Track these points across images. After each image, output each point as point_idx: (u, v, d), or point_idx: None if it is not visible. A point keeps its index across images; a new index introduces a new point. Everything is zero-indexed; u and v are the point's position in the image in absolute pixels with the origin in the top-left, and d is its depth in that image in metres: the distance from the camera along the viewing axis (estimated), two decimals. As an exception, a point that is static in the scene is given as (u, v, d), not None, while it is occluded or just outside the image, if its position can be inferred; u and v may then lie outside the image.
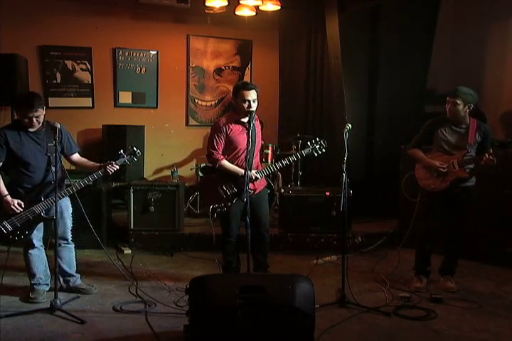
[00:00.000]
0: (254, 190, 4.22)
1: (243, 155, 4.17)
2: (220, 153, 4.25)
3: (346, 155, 3.98)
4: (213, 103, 7.72)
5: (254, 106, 4.13)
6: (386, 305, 4.05)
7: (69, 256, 4.25)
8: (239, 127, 4.24)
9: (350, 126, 4.11)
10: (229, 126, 4.23)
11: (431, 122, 4.46)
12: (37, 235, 4.06)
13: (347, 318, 3.77)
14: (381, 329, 3.65)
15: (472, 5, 6.91)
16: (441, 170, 4.27)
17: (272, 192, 6.16)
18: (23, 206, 3.87)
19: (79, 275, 4.35)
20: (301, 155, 4.27)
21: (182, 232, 5.74)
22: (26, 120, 3.87)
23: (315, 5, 6.97)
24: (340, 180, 4.01)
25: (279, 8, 6.53)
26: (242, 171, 4.12)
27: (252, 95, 4.11)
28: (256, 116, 4.23)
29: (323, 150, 4.29)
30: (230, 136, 4.22)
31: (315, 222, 5.71)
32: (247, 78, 7.80)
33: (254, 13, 6.63)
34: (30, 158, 3.92)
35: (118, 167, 4.03)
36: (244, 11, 6.57)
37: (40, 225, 4.05)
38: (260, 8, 6.53)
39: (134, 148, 4.11)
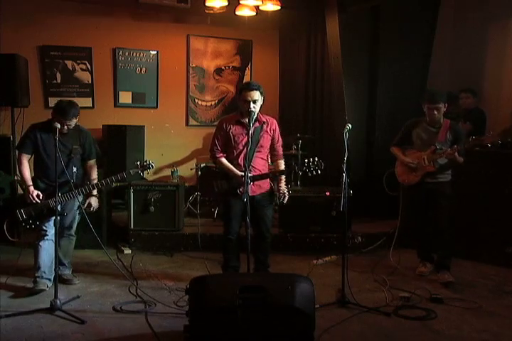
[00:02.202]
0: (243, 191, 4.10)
1: (242, 155, 4.21)
2: (220, 150, 4.30)
3: (346, 156, 4.00)
4: (213, 103, 7.72)
5: (254, 107, 4.12)
6: (386, 305, 4.06)
7: (68, 246, 4.52)
8: (239, 127, 4.26)
9: (350, 126, 4.13)
10: (230, 125, 4.28)
11: (409, 122, 4.82)
12: (52, 228, 4.14)
13: (347, 318, 3.78)
14: (381, 329, 3.65)
15: (472, 5, 6.91)
16: (411, 165, 4.63)
17: (272, 192, 6.15)
18: (41, 198, 4.13)
19: (69, 267, 4.58)
20: (297, 170, 4.20)
21: (182, 232, 5.75)
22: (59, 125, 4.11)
23: (315, 5, 6.95)
24: (340, 180, 4.02)
25: (279, 8, 6.51)
26: (236, 171, 4.17)
27: (253, 96, 4.10)
28: (266, 118, 4.30)
29: (319, 172, 4.11)
30: (229, 135, 4.26)
31: (315, 222, 5.71)
32: (247, 78, 7.79)
33: (254, 13, 6.62)
34: (53, 159, 4.11)
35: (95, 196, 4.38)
36: (244, 11, 6.56)
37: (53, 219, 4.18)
38: (260, 8, 6.52)
39: (150, 162, 4.30)
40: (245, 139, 4.15)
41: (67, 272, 4.55)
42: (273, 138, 4.37)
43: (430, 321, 3.77)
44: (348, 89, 6.36)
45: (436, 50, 6.88)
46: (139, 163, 4.31)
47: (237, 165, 4.25)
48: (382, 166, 6.66)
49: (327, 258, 5.28)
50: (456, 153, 4.39)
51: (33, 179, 4.29)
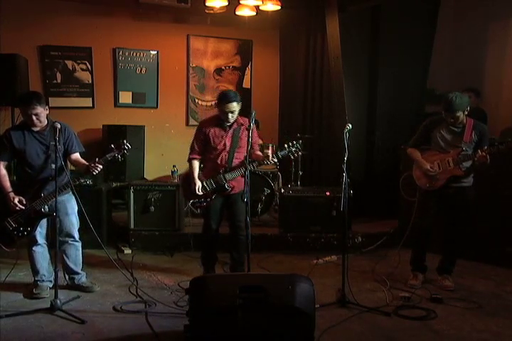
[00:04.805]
0: (233, 187, 4.42)
1: (223, 156, 4.42)
2: (197, 151, 4.50)
3: (346, 155, 4.00)
4: (213, 103, 7.70)
5: (232, 117, 4.34)
6: (386, 305, 4.05)
7: (75, 253, 4.32)
8: (218, 129, 4.45)
9: (350, 126, 4.13)
10: (209, 128, 4.46)
11: (428, 122, 4.53)
12: (40, 232, 4.15)
13: (347, 318, 3.78)
14: (381, 329, 3.65)
15: (472, 4, 6.92)
16: (430, 173, 4.37)
17: (272, 193, 6.17)
18: (24, 202, 3.96)
19: (84, 273, 4.42)
20: (278, 157, 4.37)
21: (182, 232, 5.74)
22: (27, 117, 3.97)
23: (315, 5, 6.96)
24: (341, 180, 4.02)
25: (279, 8, 6.53)
26: (196, 179, 4.41)
27: (230, 108, 4.31)
28: (243, 120, 4.45)
29: (299, 153, 4.34)
30: (209, 138, 4.44)
31: (315, 222, 5.71)
32: (247, 78, 7.81)
33: (254, 13, 6.63)
34: (34, 158, 4.04)
35: (101, 167, 4.01)
36: (244, 11, 6.57)
37: (44, 222, 4.14)
38: (260, 8, 6.53)
39: (125, 141, 4.04)
40: (224, 141, 4.42)
41: (84, 280, 4.38)
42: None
43: (430, 321, 3.77)
44: (348, 89, 6.37)
45: (436, 50, 6.89)
46: (113, 145, 4.00)
47: (216, 166, 4.44)
48: (382, 166, 6.72)
49: (327, 258, 5.28)
50: (487, 155, 4.11)
51: (17, 184, 4.11)
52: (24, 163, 4.06)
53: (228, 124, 4.40)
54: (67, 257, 4.28)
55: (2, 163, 4.06)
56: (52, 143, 3.91)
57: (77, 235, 4.29)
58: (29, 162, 4.04)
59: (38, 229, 4.11)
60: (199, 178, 4.46)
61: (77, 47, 6.88)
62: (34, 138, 4.05)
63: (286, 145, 4.39)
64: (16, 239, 4.04)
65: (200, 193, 4.39)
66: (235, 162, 4.45)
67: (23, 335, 3.43)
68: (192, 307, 3.16)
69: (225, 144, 4.41)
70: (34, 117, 3.94)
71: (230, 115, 4.33)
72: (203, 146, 4.50)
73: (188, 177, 4.56)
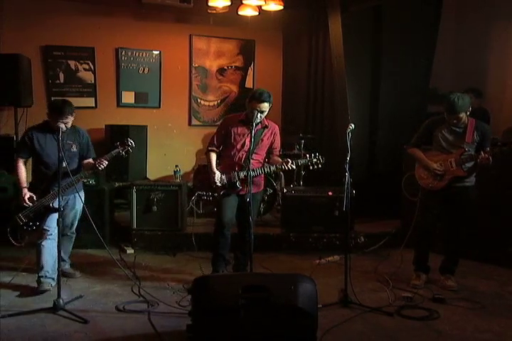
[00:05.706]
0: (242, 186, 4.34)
1: (240, 154, 4.36)
2: (216, 145, 4.46)
3: (349, 155, 4.00)
4: (216, 103, 7.73)
5: (260, 117, 4.27)
6: (389, 305, 4.05)
7: (68, 244, 4.64)
8: (241, 127, 4.37)
9: (353, 126, 4.14)
10: (233, 124, 4.40)
11: (430, 122, 4.52)
12: (54, 228, 4.21)
13: (349, 318, 3.77)
14: (384, 329, 3.65)
15: (475, 5, 6.91)
16: (438, 172, 4.35)
17: (275, 192, 6.17)
18: (34, 199, 4.20)
19: (69, 261, 4.73)
20: (297, 164, 4.30)
21: (185, 232, 5.75)
22: (55, 123, 4.18)
23: (317, 5, 6.96)
24: (343, 180, 4.02)
25: (281, 8, 6.53)
26: (214, 170, 4.34)
27: (261, 107, 4.22)
28: (269, 123, 4.43)
29: (319, 166, 4.32)
30: (230, 133, 4.39)
31: (317, 222, 5.71)
32: (249, 78, 7.81)
33: (256, 13, 6.64)
34: (50, 157, 4.26)
35: (106, 162, 4.24)
36: (246, 11, 6.58)
37: (55, 218, 4.19)
38: (263, 8, 6.54)
39: (129, 139, 4.30)
40: (244, 139, 4.35)
41: (67, 267, 4.69)
42: (273, 142, 4.50)
43: (433, 321, 3.77)
44: (351, 88, 6.36)
45: (438, 50, 6.87)
46: (118, 143, 4.29)
47: (232, 163, 4.38)
48: (385, 166, 6.71)
49: (330, 258, 5.28)
50: (490, 157, 4.08)
51: (32, 181, 4.38)
52: (40, 162, 4.30)
53: (252, 125, 4.24)
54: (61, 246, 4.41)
55: (21, 159, 4.34)
56: (69, 142, 4.29)
57: (75, 226, 4.61)
58: (46, 161, 4.28)
59: (49, 223, 4.23)
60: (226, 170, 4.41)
61: (79, 47, 6.89)
62: (54, 139, 4.23)
63: (308, 155, 4.34)
64: (26, 234, 4.22)
65: (219, 184, 4.32)
66: (252, 162, 4.32)
67: (26, 335, 3.44)
68: (194, 307, 3.16)
69: (244, 143, 4.36)
70: (63, 125, 4.17)
71: (258, 115, 4.25)
72: (222, 141, 4.46)
73: (203, 168, 4.56)
